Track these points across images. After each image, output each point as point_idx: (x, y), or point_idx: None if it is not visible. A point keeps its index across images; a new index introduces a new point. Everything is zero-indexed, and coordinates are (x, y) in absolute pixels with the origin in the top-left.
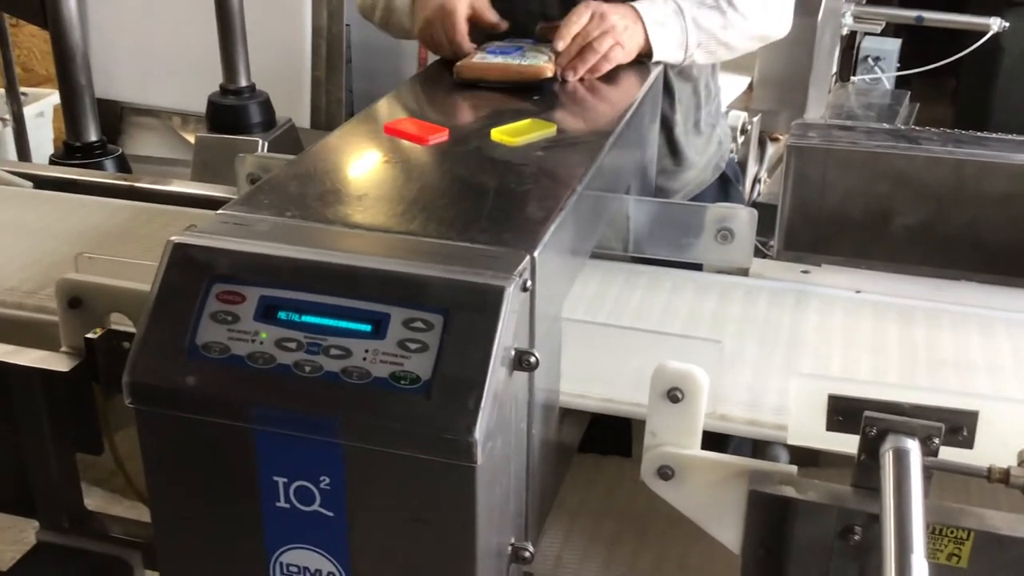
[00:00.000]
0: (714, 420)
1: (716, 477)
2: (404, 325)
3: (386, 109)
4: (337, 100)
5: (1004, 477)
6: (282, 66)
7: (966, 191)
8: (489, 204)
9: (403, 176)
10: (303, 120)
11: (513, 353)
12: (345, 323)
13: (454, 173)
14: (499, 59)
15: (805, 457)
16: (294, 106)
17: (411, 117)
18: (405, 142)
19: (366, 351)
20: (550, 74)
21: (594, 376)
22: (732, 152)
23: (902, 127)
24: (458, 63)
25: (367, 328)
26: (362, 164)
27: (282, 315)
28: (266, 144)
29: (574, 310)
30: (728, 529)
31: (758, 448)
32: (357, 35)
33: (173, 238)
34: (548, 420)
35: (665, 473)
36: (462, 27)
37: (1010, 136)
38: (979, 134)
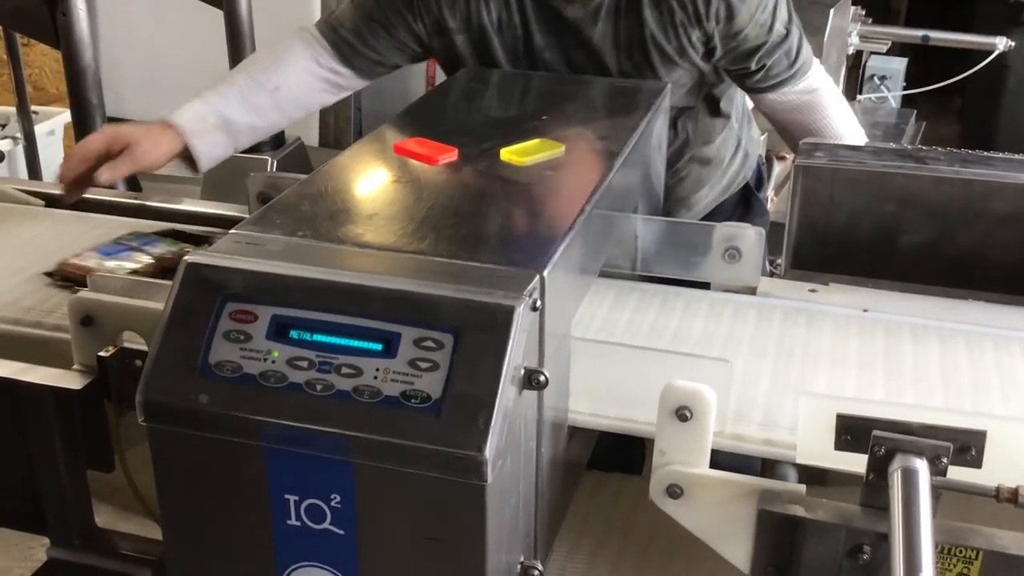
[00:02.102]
0: (723, 439)
1: (725, 496)
2: (415, 344)
3: (396, 129)
4: (345, 118)
5: (1013, 497)
6: None
7: (973, 210)
8: (499, 224)
9: (413, 196)
10: (312, 139)
11: (523, 372)
12: (356, 342)
13: (464, 193)
14: (92, 261)
15: (813, 476)
16: (303, 124)
17: (421, 137)
18: (415, 162)
19: (377, 370)
20: None
21: (602, 395)
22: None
23: (909, 147)
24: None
25: (378, 347)
26: (372, 184)
27: (294, 334)
28: (275, 163)
29: (583, 328)
30: (737, 548)
31: (767, 467)
32: None
33: (187, 257)
34: (557, 438)
35: (674, 492)
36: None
37: (1016, 156)
38: (985, 154)
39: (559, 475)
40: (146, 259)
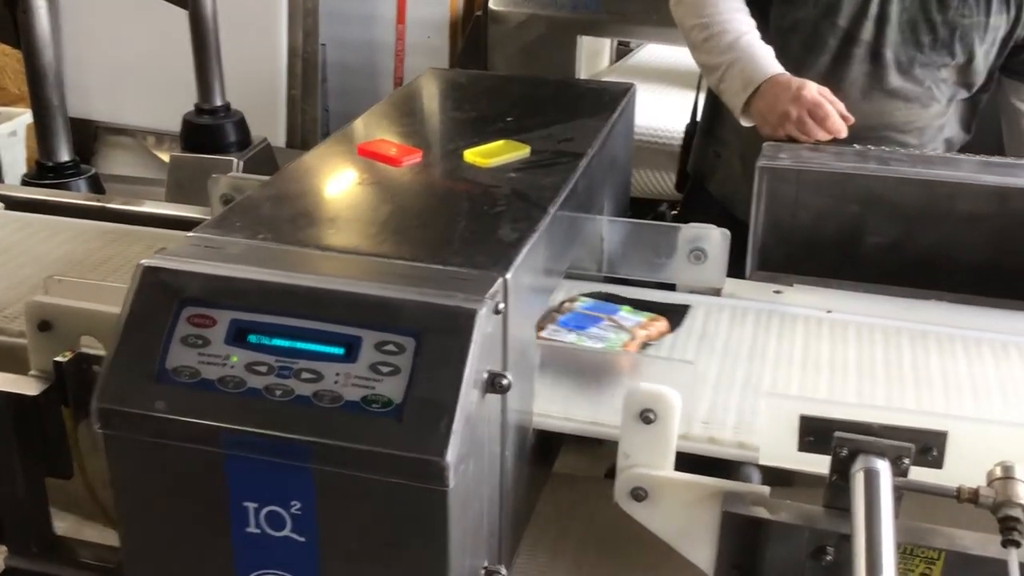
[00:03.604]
0: (687, 441)
1: (689, 498)
2: (376, 348)
3: (360, 130)
4: (313, 119)
5: (973, 497)
6: (258, 85)
7: (936, 211)
8: (462, 226)
9: (376, 198)
10: (278, 139)
11: (486, 375)
12: (317, 346)
13: (427, 195)
14: (571, 336)
15: (778, 477)
16: (269, 125)
17: (385, 138)
18: (379, 163)
19: (338, 375)
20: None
21: (567, 397)
22: None
23: (872, 148)
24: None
25: (339, 351)
26: (335, 186)
27: (253, 338)
28: (241, 164)
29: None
30: (701, 550)
31: (731, 468)
32: (333, 54)
33: (143, 261)
34: (522, 442)
35: (638, 495)
36: (833, 111)
37: (978, 156)
38: (948, 155)
39: (524, 478)
40: (624, 335)
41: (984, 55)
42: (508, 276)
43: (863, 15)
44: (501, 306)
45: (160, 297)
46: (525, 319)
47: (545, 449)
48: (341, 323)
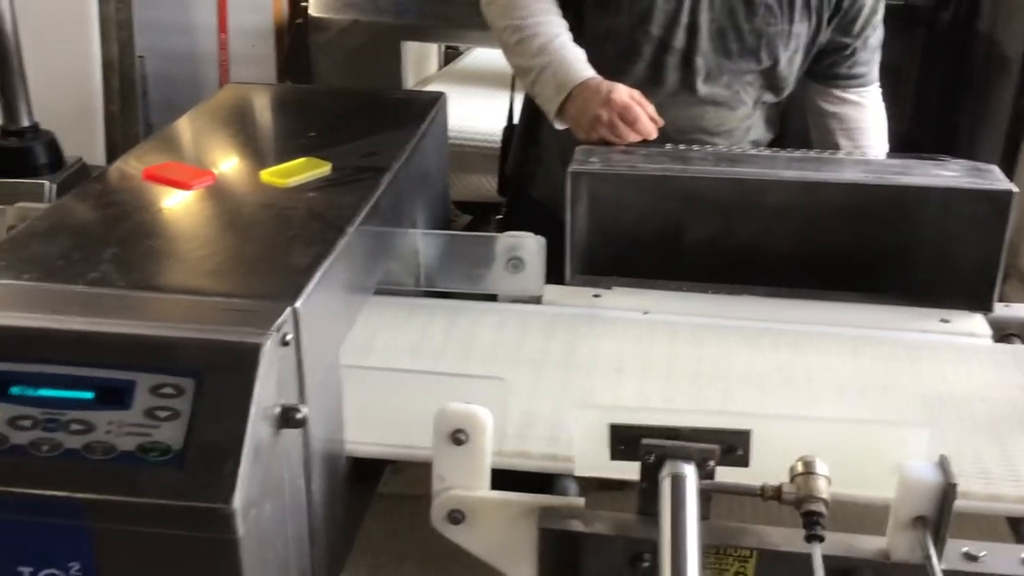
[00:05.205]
0: (503, 458)
1: (506, 517)
2: (152, 392)
3: (150, 153)
4: (134, 135)
5: (776, 494)
6: (71, 102)
7: (749, 206)
8: (252, 253)
9: (160, 227)
10: (98, 158)
11: (279, 410)
12: (85, 395)
13: (216, 220)
14: None
15: (609, 480)
16: (87, 144)
17: (177, 160)
18: (167, 188)
19: (110, 423)
20: None
21: (380, 422)
22: None
23: (683, 147)
24: None
25: (110, 398)
26: (115, 216)
27: (15, 391)
28: (55, 187)
29: (359, 352)
30: (523, 568)
31: (551, 481)
32: (152, 67)
33: None
34: (333, 471)
35: (455, 517)
36: (643, 113)
37: (785, 152)
38: (751, 151)
39: (339, 507)
40: None
41: (788, 61)
42: (298, 305)
43: (675, 24)
44: (289, 337)
45: None
46: (326, 345)
47: (366, 473)
48: (112, 368)
